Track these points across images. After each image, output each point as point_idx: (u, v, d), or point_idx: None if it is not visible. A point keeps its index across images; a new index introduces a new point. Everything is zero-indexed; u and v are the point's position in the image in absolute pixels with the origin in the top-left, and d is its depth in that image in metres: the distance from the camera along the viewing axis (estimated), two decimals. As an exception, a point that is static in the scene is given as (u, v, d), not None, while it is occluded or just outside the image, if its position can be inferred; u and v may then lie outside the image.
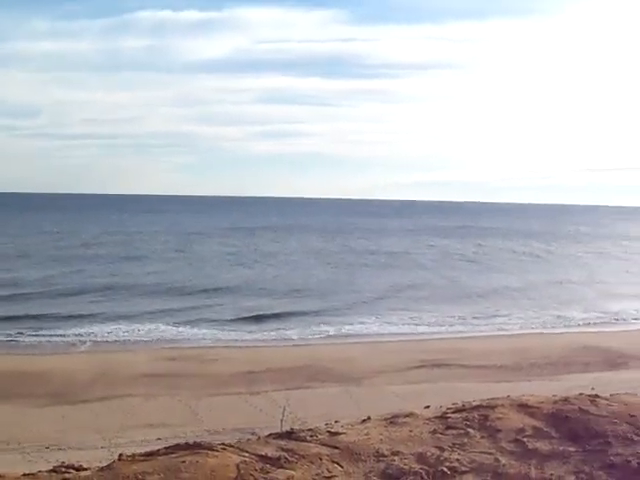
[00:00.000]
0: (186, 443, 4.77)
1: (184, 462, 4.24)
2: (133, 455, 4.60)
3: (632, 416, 5.11)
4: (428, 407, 5.58)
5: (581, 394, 5.65)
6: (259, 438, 4.94)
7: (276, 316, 31.95)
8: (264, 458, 4.38)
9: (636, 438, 4.80)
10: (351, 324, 30.73)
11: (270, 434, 4.99)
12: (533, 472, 4.36)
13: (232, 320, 30.94)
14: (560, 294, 41.75)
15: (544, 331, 30.22)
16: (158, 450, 4.67)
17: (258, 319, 31.16)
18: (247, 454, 4.42)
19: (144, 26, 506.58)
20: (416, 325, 31.31)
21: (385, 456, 4.51)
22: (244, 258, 58.83)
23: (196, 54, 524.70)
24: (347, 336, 28.48)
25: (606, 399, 5.49)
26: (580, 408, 5.22)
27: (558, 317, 34.01)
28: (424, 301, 38.05)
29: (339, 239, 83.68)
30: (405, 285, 43.91)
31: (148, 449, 4.97)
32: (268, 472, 4.16)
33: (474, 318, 32.55)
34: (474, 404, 5.36)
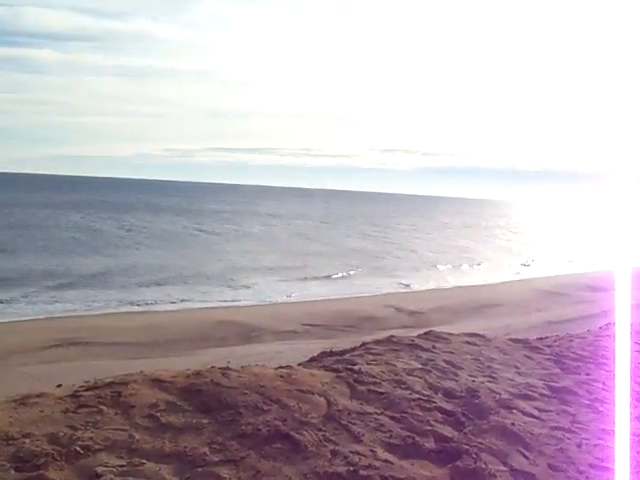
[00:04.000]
0: None
1: None
2: None
3: (262, 386, 5.34)
4: (60, 386, 5.35)
5: (213, 367, 5.77)
6: None
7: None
8: None
9: (266, 407, 5.01)
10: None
11: None
12: (167, 446, 4.37)
13: None
14: (206, 271, 42.89)
15: (182, 307, 30.79)
16: None
17: None
18: None
19: None
20: (62, 304, 30.26)
21: (15, 439, 4.23)
22: None
23: None
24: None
25: (237, 371, 5.67)
26: (212, 381, 5.33)
27: (203, 293, 34.91)
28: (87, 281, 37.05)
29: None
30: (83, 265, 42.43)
31: None
32: None
33: (130, 303, 31.99)
34: (107, 381, 5.23)
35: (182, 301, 32.36)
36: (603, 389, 6.81)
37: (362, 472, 4.27)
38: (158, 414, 4.79)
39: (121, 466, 4.03)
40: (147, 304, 31.49)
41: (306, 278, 42.22)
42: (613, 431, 5.40)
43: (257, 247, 59.00)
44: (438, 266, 52.87)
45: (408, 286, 40.92)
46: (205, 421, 4.76)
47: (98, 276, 39.01)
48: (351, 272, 45.65)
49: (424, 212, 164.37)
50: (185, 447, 4.36)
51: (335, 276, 43.79)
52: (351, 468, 4.30)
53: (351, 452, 4.53)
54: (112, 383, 5.19)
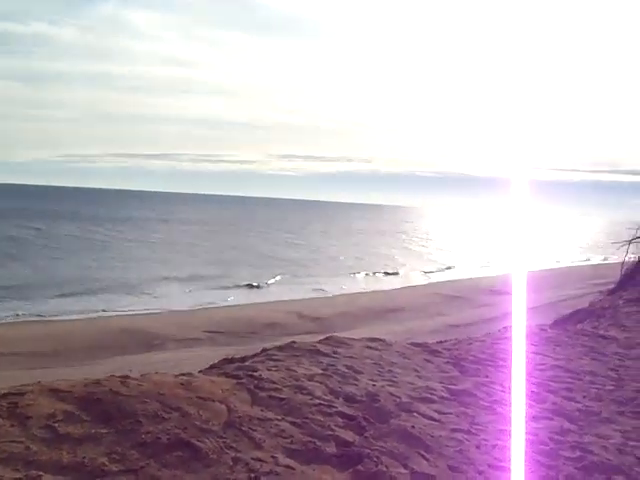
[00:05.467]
0: None
1: None
2: None
3: (161, 394, 5.26)
4: (-47, 398, 5.16)
5: (112, 376, 5.66)
6: None
7: None
8: None
9: (166, 415, 4.95)
10: None
11: None
12: (65, 457, 4.27)
13: None
14: (118, 279, 42.15)
15: (86, 316, 30.17)
16: None
17: None
18: None
19: None
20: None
21: None
22: None
23: None
24: None
25: (137, 379, 5.58)
26: (111, 390, 5.23)
27: (109, 301, 34.27)
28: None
29: None
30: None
31: None
32: None
33: (35, 313, 30.94)
34: (3, 392, 5.05)
35: (89, 311, 31.66)
36: (501, 391, 6.99)
37: (263, 478, 4.28)
38: (56, 425, 4.67)
39: (17, 479, 3.92)
40: (53, 314, 30.66)
41: (221, 287, 41.89)
42: (511, 431, 5.57)
43: (169, 255, 58.30)
44: (354, 272, 53.31)
45: (323, 292, 41.13)
46: (104, 431, 4.67)
47: (6, 287, 37.83)
48: (270, 280, 45.56)
49: (331, 218, 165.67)
50: (84, 458, 4.27)
51: (252, 283, 43.56)
52: (252, 475, 4.30)
53: (252, 459, 4.53)
54: (8, 394, 5.03)
